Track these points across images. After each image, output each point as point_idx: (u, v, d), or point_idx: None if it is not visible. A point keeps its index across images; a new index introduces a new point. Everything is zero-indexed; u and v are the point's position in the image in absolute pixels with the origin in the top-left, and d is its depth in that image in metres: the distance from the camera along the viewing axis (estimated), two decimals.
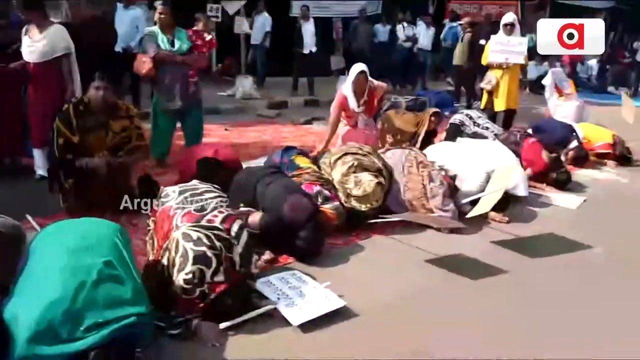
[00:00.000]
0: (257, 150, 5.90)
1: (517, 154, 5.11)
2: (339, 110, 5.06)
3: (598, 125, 6.58)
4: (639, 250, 3.69)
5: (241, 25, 10.73)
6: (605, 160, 6.07)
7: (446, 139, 6.12)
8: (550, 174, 4.96)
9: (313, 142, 5.90)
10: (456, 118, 6.13)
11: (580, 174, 5.62)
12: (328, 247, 3.41)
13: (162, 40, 4.80)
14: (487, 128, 5.86)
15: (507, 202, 4.13)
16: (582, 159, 5.80)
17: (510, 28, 6.38)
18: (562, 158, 5.85)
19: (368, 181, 3.65)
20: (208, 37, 5.14)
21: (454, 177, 4.18)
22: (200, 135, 5.28)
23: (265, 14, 10.07)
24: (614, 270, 3.39)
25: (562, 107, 7.87)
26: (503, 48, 6.35)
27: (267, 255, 3.15)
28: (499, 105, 6.54)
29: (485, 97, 6.69)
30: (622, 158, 6.03)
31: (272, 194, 3.23)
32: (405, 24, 11.16)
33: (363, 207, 3.64)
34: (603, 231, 4.03)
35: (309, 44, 9.43)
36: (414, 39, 11.11)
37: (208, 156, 3.83)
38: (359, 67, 4.97)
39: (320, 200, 3.55)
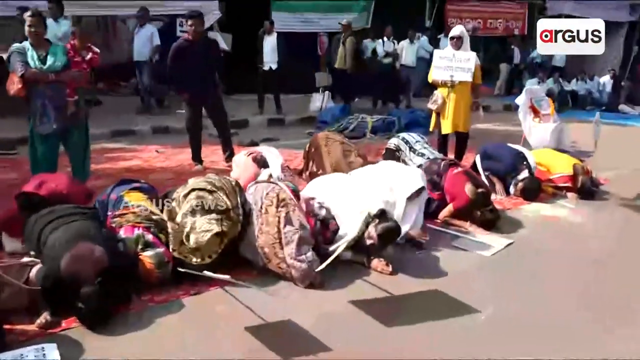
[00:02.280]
0: (167, 176, 5.38)
1: (439, 186, 4.42)
2: None
3: (561, 152, 5.76)
4: (534, 319, 2.93)
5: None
6: (566, 192, 5.25)
7: None
8: (474, 211, 4.22)
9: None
10: (392, 142, 5.47)
11: (527, 209, 4.84)
12: (143, 304, 2.85)
13: (32, 56, 4.33)
14: (422, 155, 5.16)
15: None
16: (533, 191, 5.01)
17: (457, 41, 5.65)
18: (512, 190, 5.12)
19: (203, 232, 3.04)
20: (88, 56, 4.65)
21: (333, 217, 3.53)
22: (85, 160, 4.77)
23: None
24: (494, 343, 2.66)
25: (536, 128, 7.08)
26: (448, 64, 5.62)
27: (43, 317, 2.59)
28: (446, 127, 5.79)
29: (433, 118, 5.96)
30: (586, 191, 5.19)
31: (52, 242, 2.68)
32: (385, 39, 10.49)
33: (194, 260, 3.04)
34: (507, 289, 3.29)
35: (270, 60, 8.88)
36: (394, 55, 10.41)
37: (28, 190, 3.31)
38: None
39: (140, 246, 2.97)
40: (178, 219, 3.18)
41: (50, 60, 4.36)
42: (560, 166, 5.35)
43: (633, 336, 2.81)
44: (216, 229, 3.05)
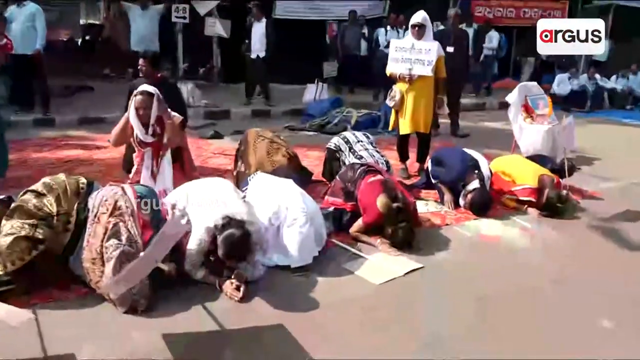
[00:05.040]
0: (94, 170, 5.07)
1: (353, 196, 3.85)
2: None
3: (530, 161, 4.96)
4: None
5: (213, 28, 10.00)
6: (527, 207, 4.49)
7: (324, 166, 4.96)
8: (386, 227, 3.61)
9: None
10: (332, 142, 4.91)
11: (467, 226, 4.17)
12: None
13: None
14: (360, 157, 4.57)
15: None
16: (481, 205, 4.31)
17: (418, 30, 4.97)
18: (461, 201, 4.44)
19: (7, 234, 2.69)
20: (2, 42, 4.41)
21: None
22: (4, 148, 4.58)
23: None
24: None
25: (527, 131, 6.20)
26: (406, 56, 4.95)
27: None
28: (404, 127, 5.14)
29: (392, 116, 5.31)
30: (550, 208, 4.42)
31: None
32: (388, 28, 9.76)
33: None
34: (365, 330, 2.71)
35: (257, 48, 8.42)
36: None
37: None
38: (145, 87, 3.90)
39: None
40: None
41: None
42: (526, 177, 4.59)
43: None
44: (22, 232, 2.69)
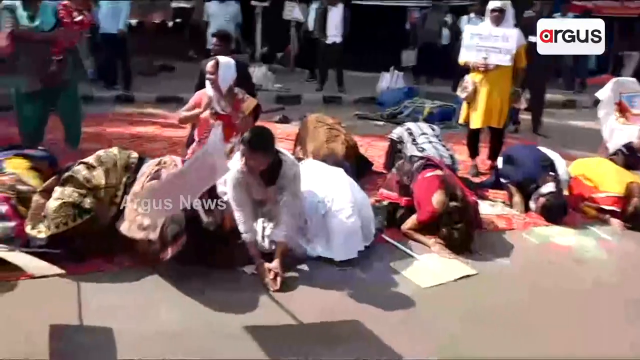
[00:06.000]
0: (162, 146, 5.21)
1: (409, 190, 3.62)
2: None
3: (620, 166, 4.41)
4: None
5: (292, 11, 9.97)
6: (609, 217, 4.02)
7: (386, 157, 4.75)
8: (441, 227, 3.35)
9: None
10: (395, 132, 4.67)
11: (536, 233, 3.79)
12: None
13: (21, 15, 4.38)
14: (422, 149, 4.31)
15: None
16: (555, 211, 3.90)
17: (498, 16, 4.57)
18: (532, 205, 4.06)
19: (56, 199, 2.79)
20: (78, 18, 4.56)
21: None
22: (77, 121, 4.78)
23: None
24: None
25: (618, 131, 5.58)
26: (481, 43, 4.57)
27: None
28: (476, 121, 4.77)
29: (464, 108, 4.96)
30: (639, 220, 3.91)
31: None
32: (472, 16, 9.18)
33: (39, 232, 2.77)
34: (387, 334, 2.50)
35: (333, 33, 8.26)
36: (455, 31, 9.13)
37: None
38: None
39: None
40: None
41: (39, 19, 4.38)
42: (611, 183, 4.09)
43: None
44: (70, 199, 2.77)
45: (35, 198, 2.88)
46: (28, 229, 2.79)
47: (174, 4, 16.35)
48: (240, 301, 2.67)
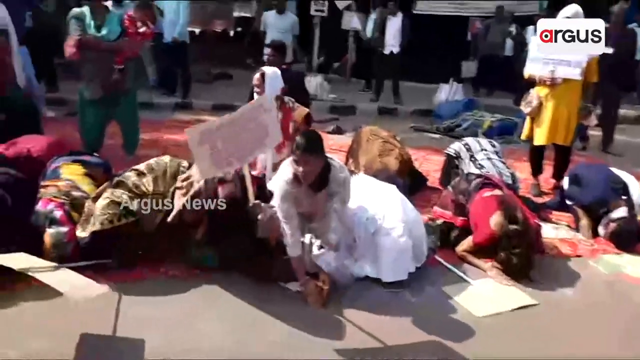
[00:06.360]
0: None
1: (465, 210, 3.43)
2: None
3: None
4: None
5: (350, 21, 9.93)
6: None
7: (442, 173, 4.57)
8: (499, 251, 3.13)
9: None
10: (452, 148, 4.47)
11: (605, 261, 3.49)
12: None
13: (89, 24, 4.54)
14: (481, 167, 4.09)
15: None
16: (626, 237, 3.59)
17: None
18: (601, 231, 3.75)
19: (105, 197, 2.84)
20: (142, 29, 4.66)
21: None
22: (135, 128, 4.90)
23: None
24: None
25: None
26: (550, 55, 4.30)
27: None
28: (540, 137, 4.49)
29: (527, 123, 4.68)
30: None
31: None
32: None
33: (83, 233, 2.81)
34: None
35: (391, 43, 8.12)
36: (519, 42, 8.70)
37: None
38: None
39: (47, 222, 2.84)
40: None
41: (105, 29, 4.51)
42: None
43: None
44: (118, 200, 2.81)
45: (88, 204, 2.92)
46: (78, 232, 2.83)
47: (236, 14, 16.80)
48: (285, 318, 2.58)
